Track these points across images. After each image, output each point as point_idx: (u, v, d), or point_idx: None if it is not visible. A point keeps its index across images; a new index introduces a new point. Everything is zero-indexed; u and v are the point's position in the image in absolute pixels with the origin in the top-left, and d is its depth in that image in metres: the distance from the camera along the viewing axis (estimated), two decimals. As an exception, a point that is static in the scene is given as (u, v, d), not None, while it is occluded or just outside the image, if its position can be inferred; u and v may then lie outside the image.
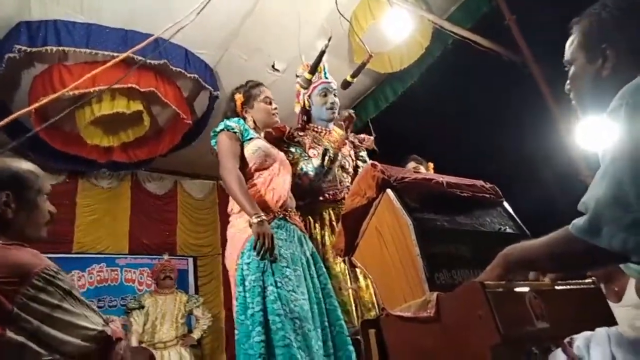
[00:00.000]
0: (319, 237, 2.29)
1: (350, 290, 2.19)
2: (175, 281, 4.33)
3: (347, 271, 2.23)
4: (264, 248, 1.76)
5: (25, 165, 1.28)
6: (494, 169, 2.22)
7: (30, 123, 3.63)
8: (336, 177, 2.42)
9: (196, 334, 4.29)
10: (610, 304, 1.50)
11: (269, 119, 2.20)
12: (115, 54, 3.10)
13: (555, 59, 1.24)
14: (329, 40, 2.36)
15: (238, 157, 2.01)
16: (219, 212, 5.80)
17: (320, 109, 2.48)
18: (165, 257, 4.47)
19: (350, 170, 2.51)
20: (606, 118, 0.90)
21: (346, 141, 2.57)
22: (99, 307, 4.83)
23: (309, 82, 2.42)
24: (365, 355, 1.19)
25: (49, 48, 3.14)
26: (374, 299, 2.17)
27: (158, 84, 3.61)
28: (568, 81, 1.10)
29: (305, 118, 2.56)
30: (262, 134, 2.24)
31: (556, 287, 1.07)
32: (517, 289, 0.98)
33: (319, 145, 2.39)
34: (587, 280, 1.18)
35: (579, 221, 0.88)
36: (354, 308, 2.17)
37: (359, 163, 2.58)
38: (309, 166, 2.30)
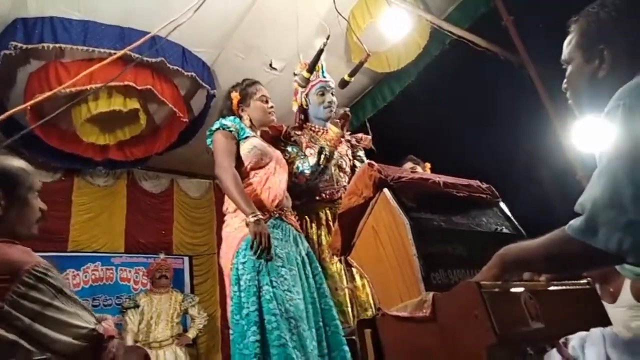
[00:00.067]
0: (315, 236, 2.28)
1: (346, 290, 2.19)
2: (170, 280, 4.32)
3: (343, 271, 2.23)
4: (261, 247, 1.76)
5: (15, 162, 1.28)
6: (490, 169, 2.22)
7: (26, 121, 3.60)
8: (333, 176, 2.42)
9: (191, 334, 4.28)
10: (606, 304, 1.51)
11: (265, 117, 2.20)
12: (112, 52, 3.09)
13: (552, 59, 1.24)
14: (327, 38, 2.36)
15: (234, 156, 2.01)
16: (216, 211, 5.79)
17: (318, 107, 2.47)
18: (161, 256, 4.46)
19: (348, 169, 2.51)
20: (603, 119, 0.90)
21: (343, 140, 2.57)
22: (94, 306, 4.81)
23: (307, 80, 2.41)
24: (361, 355, 1.19)
25: (45, 45, 3.12)
26: (370, 298, 2.17)
27: (155, 82, 3.60)
28: (565, 80, 1.10)
29: (302, 117, 2.56)
30: (259, 133, 2.23)
31: (551, 288, 1.07)
32: (513, 289, 0.98)
33: (315, 144, 2.39)
34: (582, 281, 1.18)
35: (575, 222, 0.88)
36: (350, 308, 2.16)
37: (357, 163, 2.57)
38: (305, 165, 2.30)
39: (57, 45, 3.16)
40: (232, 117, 2.12)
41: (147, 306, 4.04)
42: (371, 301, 2.17)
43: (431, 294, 1.02)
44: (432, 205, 1.28)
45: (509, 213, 1.48)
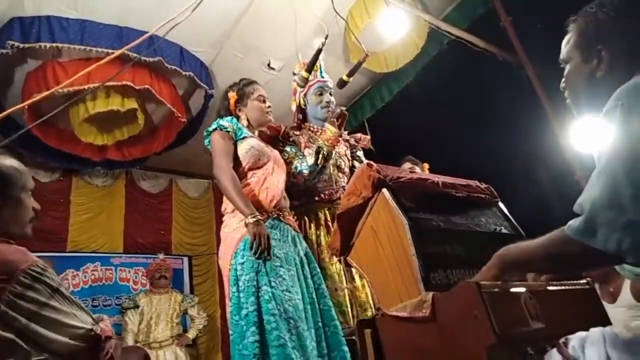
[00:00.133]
0: (314, 237, 2.28)
1: (345, 291, 2.19)
2: (170, 281, 4.31)
3: (342, 271, 2.23)
4: (261, 248, 1.75)
5: (8, 161, 1.27)
6: (488, 169, 2.22)
7: (24, 120, 3.59)
8: (332, 176, 2.42)
9: (191, 334, 4.28)
10: (605, 304, 1.51)
11: (263, 117, 2.19)
12: (109, 51, 3.08)
13: (551, 60, 1.24)
14: (326, 38, 2.36)
15: (231, 157, 2.01)
16: (215, 211, 5.78)
17: (316, 107, 2.47)
18: (161, 256, 4.45)
19: (346, 170, 2.51)
20: (601, 119, 0.90)
21: (342, 140, 2.56)
22: (93, 306, 4.80)
23: (306, 80, 2.41)
24: (361, 356, 1.19)
25: (42, 44, 3.11)
26: (370, 299, 2.17)
27: (153, 82, 3.59)
28: (563, 79, 1.11)
29: (300, 117, 2.55)
30: (257, 133, 2.23)
31: (551, 288, 1.08)
32: (513, 290, 0.98)
33: (314, 144, 2.38)
34: (581, 281, 1.18)
35: (574, 222, 0.88)
36: (349, 308, 2.16)
37: (355, 163, 2.57)
38: (304, 165, 2.29)
39: (55, 44, 3.15)
40: (229, 118, 2.12)
41: (146, 306, 4.04)
42: (371, 301, 2.17)
43: (431, 294, 1.02)
44: (431, 205, 1.28)
45: (507, 213, 1.48)
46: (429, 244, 1.16)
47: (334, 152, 2.33)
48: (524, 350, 0.93)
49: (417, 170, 2.87)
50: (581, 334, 1.05)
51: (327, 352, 1.81)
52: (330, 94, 2.49)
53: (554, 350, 1.06)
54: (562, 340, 1.05)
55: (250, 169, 2.04)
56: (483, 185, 1.49)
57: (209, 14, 3.13)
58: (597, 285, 1.87)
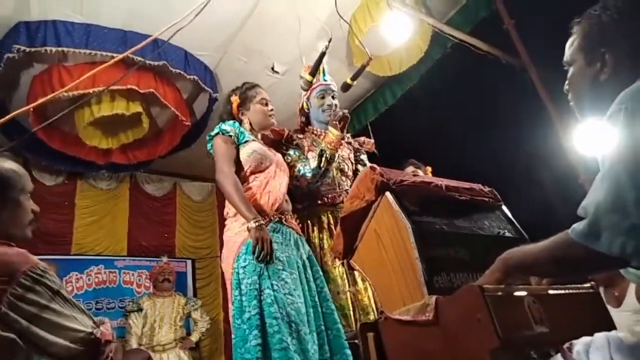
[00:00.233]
0: (317, 240, 2.28)
1: (348, 294, 2.18)
2: (173, 284, 4.32)
3: (345, 274, 2.22)
4: (263, 253, 1.76)
5: (7, 164, 1.28)
6: (492, 173, 2.22)
7: (29, 124, 3.62)
8: (335, 180, 2.42)
9: (194, 337, 4.28)
10: (610, 308, 1.50)
11: (265, 120, 2.20)
12: (114, 55, 3.09)
13: (554, 62, 1.24)
14: (329, 41, 2.37)
15: (234, 161, 2.01)
16: (218, 214, 5.79)
17: (318, 110, 2.47)
18: (164, 259, 4.45)
19: (350, 173, 2.50)
20: (605, 122, 0.90)
21: (345, 144, 2.57)
22: (97, 309, 4.81)
23: (310, 83, 2.42)
24: (364, 359, 1.18)
25: (48, 48, 3.14)
26: (373, 302, 2.17)
27: (157, 85, 3.61)
28: (567, 82, 1.10)
29: (304, 120, 2.56)
30: (259, 136, 2.23)
31: (555, 292, 1.07)
32: (516, 293, 0.98)
33: (317, 147, 2.39)
34: (586, 285, 1.17)
35: (578, 226, 0.87)
36: (352, 312, 2.16)
37: (359, 166, 2.57)
38: (307, 168, 2.29)
39: (60, 48, 3.18)
40: (231, 122, 2.13)
41: (150, 309, 4.04)
42: (373, 305, 2.16)
43: (434, 297, 1.02)
44: (435, 208, 1.28)
45: (511, 216, 1.47)
46: (432, 248, 1.16)
47: (336, 155, 2.33)
48: (527, 355, 0.93)
49: (420, 174, 2.86)
50: (586, 338, 1.04)
51: (330, 356, 1.81)
52: (334, 97, 2.49)
53: (558, 355, 1.05)
54: (566, 345, 1.04)
55: (252, 173, 2.04)
56: (486, 189, 1.49)
57: (213, 18, 3.15)
58: (601, 289, 1.86)
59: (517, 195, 2.08)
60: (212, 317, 4.93)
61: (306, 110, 2.53)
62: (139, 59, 3.03)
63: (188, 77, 3.66)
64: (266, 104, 2.21)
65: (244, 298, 1.75)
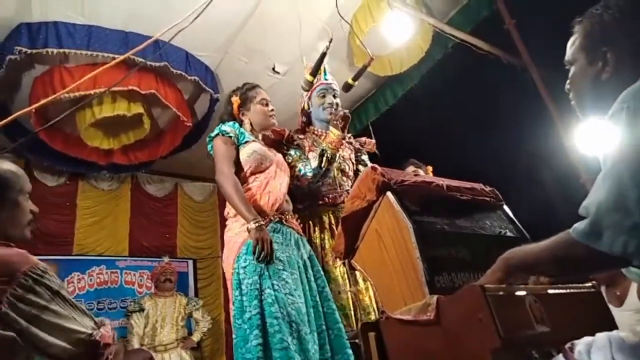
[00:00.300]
0: (318, 240, 2.28)
1: (349, 294, 2.18)
2: (175, 284, 4.32)
3: (346, 274, 2.22)
4: (263, 253, 1.76)
5: (6, 165, 1.29)
6: (493, 172, 2.22)
7: (31, 125, 3.63)
8: (336, 180, 2.42)
9: (196, 337, 4.29)
10: (612, 308, 1.50)
11: (266, 121, 2.20)
12: (115, 56, 3.10)
13: (555, 62, 1.24)
14: (330, 42, 2.37)
15: (234, 162, 2.01)
16: (219, 214, 5.79)
17: (318, 109, 2.47)
18: (166, 259, 4.46)
19: (350, 173, 2.50)
20: (607, 122, 0.90)
21: (346, 144, 2.57)
22: (98, 309, 4.82)
23: (311, 83, 2.42)
24: (365, 359, 1.18)
25: (49, 50, 3.14)
26: (374, 302, 2.16)
27: (159, 86, 3.62)
28: (568, 81, 1.10)
29: (305, 120, 2.56)
30: (260, 137, 2.23)
31: (557, 291, 1.07)
32: (518, 293, 0.97)
33: (318, 148, 2.39)
34: (587, 284, 1.17)
35: (580, 225, 0.87)
36: (353, 311, 2.16)
37: (360, 167, 2.57)
38: (307, 167, 2.29)
39: (62, 50, 3.18)
40: (231, 123, 2.13)
41: (152, 310, 4.05)
42: (374, 305, 2.16)
43: (435, 297, 1.02)
44: (436, 208, 1.28)
45: (512, 216, 1.47)
46: (433, 247, 1.16)
47: (337, 155, 2.33)
48: (529, 354, 0.93)
49: (420, 173, 2.86)
50: (587, 338, 1.04)
51: (331, 355, 1.81)
52: (335, 96, 2.49)
53: (560, 355, 1.05)
54: (568, 345, 1.04)
55: (252, 173, 2.05)
56: (488, 188, 1.49)
57: (214, 19, 3.15)
58: (603, 289, 1.86)
59: (518, 195, 2.08)
60: (214, 317, 4.93)
61: (307, 109, 2.53)
62: (140, 60, 3.03)
63: (189, 77, 3.67)
64: (266, 104, 2.21)
65: (244, 298, 1.76)
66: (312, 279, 1.96)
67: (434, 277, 1.10)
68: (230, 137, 2.06)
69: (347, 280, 2.21)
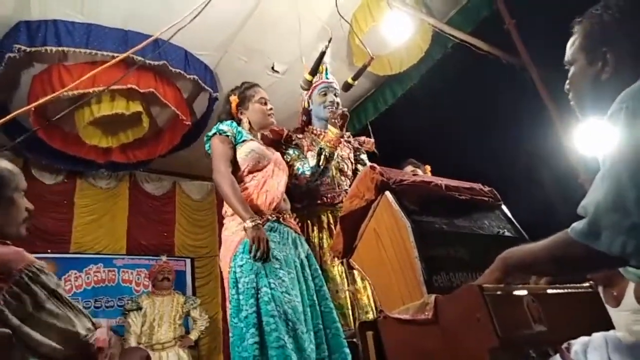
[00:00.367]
0: (316, 240, 2.28)
1: (347, 293, 2.18)
2: (172, 282, 4.32)
3: (344, 273, 2.22)
4: (260, 252, 1.76)
5: (2, 163, 1.29)
6: (492, 172, 2.22)
7: (29, 123, 3.62)
8: (334, 180, 2.42)
9: (193, 335, 4.28)
10: (609, 308, 1.50)
11: (264, 119, 2.20)
12: (114, 55, 3.10)
13: (555, 62, 1.24)
14: (329, 41, 2.37)
15: (230, 161, 2.01)
16: (217, 213, 5.79)
17: (319, 107, 2.47)
18: (164, 258, 4.46)
19: (349, 173, 2.50)
20: (606, 122, 0.90)
21: (345, 143, 2.57)
22: (95, 307, 4.81)
23: (310, 83, 2.42)
24: (363, 358, 1.18)
25: (48, 48, 3.14)
26: (372, 301, 2.17)
27: (157, 85, 3.61)
28: (567, 81, 1.10)
29: (305, 119, 2.56)
30: (259, 136, 2.23)
31: (554, 291, 1.07)
32: (516, 293, 0.98)
33: (317, 147, 2.39)
34: (584, 285, 1.17)
35: (578, 225, 0.87)
36: (351, 310, 2.16)
37: (359, 166, 2.57)
38: (306, 166, 2.30)
39: (61, 48, 3.18)
40: (229, 122, 2.13)
41: (149, 308, 4.05)
42: (372, 304, 2.16)
43: (433, 296, 1.02)
44: (434, 208, 1.28)
45: (511, 216, 1.48)
46: (431, 247, 1.16)
47: (335, 154, 2.33)
48: (526, 354, 0.93)
49: (419, 173, 2.86)
50: (584, 338, 1.04)
51: (329, 355, 1.81)
52: (336, 95, 2.49)
53: (557, 355, 1.06)
54: (564, 345, 1.04)
55: (250, 172, 2.05)
56: (486, 188, 1.49)
57: (214, 18, 3.15)
58: (600, 289, 1.86)
59: (517, 194, 2.08)
60: (211, 316, 4.93)
61: (308, 108, 2.53)
62: (139, 58, 3.03)
63: (188, 76, 3.66)
64: (265, 103, 2.21)
65: (241, 297, 1.76)
66: (310, 277, 1.96)
67: (432, 277, 1.10)
68: (228, 136, 2.06)
69: (345, 280, 2.21)
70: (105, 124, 3.87)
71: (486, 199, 1.46)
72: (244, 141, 2.08)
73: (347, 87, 2.60)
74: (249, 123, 2.20)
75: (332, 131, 2.28)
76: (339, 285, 2.18)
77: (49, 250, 4.61)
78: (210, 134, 2.11)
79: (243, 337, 1.68)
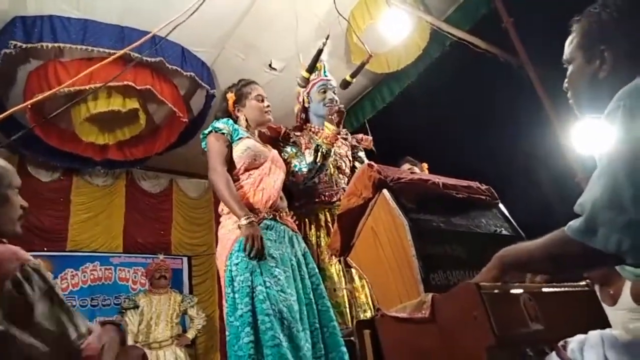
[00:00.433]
0: (314, 238, 2.28)
1: (345, 291, 2.18)
2: (169, 281, 4.31)
3: (342, 272, 2.22)
4: (254, 250, 1.75)
5: None
6: (489, 171, 2.22)
7: (26, 120, 3.60)
8: (332, 178, 2.41)
9: (191, 334, 4.28)
10: (605, 307, 1.51)
11: (261, 116, 2.19)
12: (111, 51, 3.08)
13: (552, 61, 1.24)
14: (327, 38, 2.36)
15: (226, 159, 2.01)
16: (214, 211, 5.77)
17: (318, 105, 2.47)
18: (161, 257, 4.45)
19: (347, 171, 2.50)
20: (603, 120, 0.90)
21: (344, 141, 2.56)
22: (92, 306, 4.80)
23: (307, 80, 2.41)
24: (360, 356, 1.18)
25: (44, 44, 3.12)
26: (369, 299, 2.17)
27: (154, 82, 3.60)
28: (566, 80, 1.10)
29: (303, 116, 2.55)
30: (256, 133, 2.22)
31: (551, 290, 1.07)
32: (513, 291, 0.98)
33: (314, 144, 2.38)
34: (581, 283, 1.18)
35: (575, 222, 0.88)
36: (348, 309, 2.16)
37: (357, 164, 2.57)
38: (303, 163, 2.29)
39: (57, 44, 3.16)
40: (225, 119, 2.12)
41: (146, 307, 4.04)
42: (370, 302, 2.16)
43: (430, 295, 1.02)
44: (432, 206, 1.28)
45: (508, 214, 1.48)
46: (429, 245, 1.16)
47: (332, 150, 2.32)
48: (523, 352, 0.93)
49: (416, 171, 2.86)
50: (580, 336, 1.05)
51: (325, 353, 1.80)
52: (334, 93, 2.49)
53: (553, 353, 1.06)
54: (561, 343, 1.04)
55: (246, 170, 2.04)
56: (484, 187, 1.49)
57: (211, 14, 3.13)
58: (597, 288, 1.87)
59: (514, 193, 2.08)
60: (208, 315, 4.93)
61: (306, 105, 2.52)
62: (136, 55, 3.01)
63: (185, 73, 3.65)
64: (262, 100, 2.20)
65: (236, 295, 1.75)
66: (307, 276, 1.95)
67: (429, 275, 1.10)
68: (224, 133, 2.05)
69: (342, 278, 2.21)
70: (102, 121, 3.86)
71: (483, 197, 1.46)
72: (240, 139, 2.07)
73: (345, 84, 2.60)
74: (246, 120, 2.19)
75: (329, 128, 2.27)
76: (336, 284, 2.18)
77: (45, 249, 4.59)
78: (206, 131, 2.10)
79: (239, 336, 1.67)
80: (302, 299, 1.85)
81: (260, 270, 1.77)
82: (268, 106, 2.21)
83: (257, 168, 2.04)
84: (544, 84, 3.48)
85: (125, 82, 3.44)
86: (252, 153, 2.04)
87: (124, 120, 3.93)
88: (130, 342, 3.78)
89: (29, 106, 3.10)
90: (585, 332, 1.06)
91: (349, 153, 2.58)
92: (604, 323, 1.11)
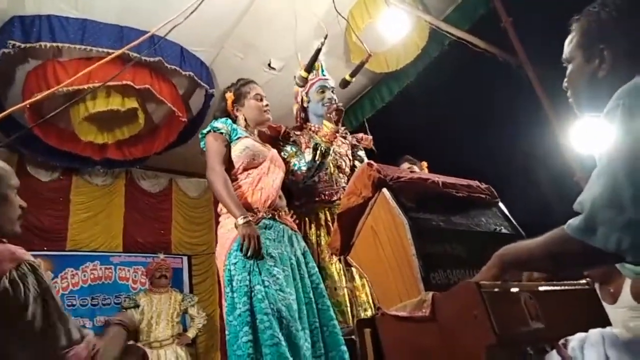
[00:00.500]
0: (314, 237, 2.28)
1: (345, 290, 2.18)
2: (170, 280, 4.31)
3: (342, 271, 2.22)
4: (251, 249, 1.75)
5: None
6: (488, 170, 2.22)
7: (24, 119, 3.60)
8: (332, 177, 2.42)
9: (191, 333, 4.29)
10: (606, 305, 1.51)
11: (260, 116, 2.19)
12: (110, 51, 3.07)
13: (551, 61, 1.24)
14: (325, 38, 2.36)
15: (224, 158, 2.01)
16: (214, 210, 5.77)
17: (317, 104, 2.47)
18: (161, 256, 4.45)
19: (347, 170, 2.50)
20: (602, 119, 0.90)
21: (343, 139, 2.56)
22: (92, 305, 4.80)
23: (305, 80, 2.41)
24: (361, 355, 1.19)
25: (43, 44, 3.11)
26: (370, 298, 2.17)
27: (153, 81, 3.59)
28: (565, 79, 1.11)
29: (302, 116, 2.55)
30: (256, 132, 2.22)
31: (551, 288, 1.07)
32: (513, 290, 0.98)
33: (313, 142, 2.38)
34: (581, 281, 1.18)
35: (574, 221, 0.88)
36: (349, 308, 2.16)
37: (357, 163, 2.57)
38: (302, 162, 2.29)
39: (55, 44, 3.15)
40: (223, 119, 2.12)
41: (147, 306, 4.04)
42: (371, 301, 2.16)
43: (430, 293, 1.02)
44: (431, 205, 1.28)
45: (507, 213, 1.48)
46: (429, 244, 1.16)
47: (331, 149, 2.32)
48: (523, 351, 0.93)
49: (415, 170, 2.86)
50: (580, 335, 1.05)
51: (325, 352, 1.80)
52: (333, 92, 2.49)
53: (554, 351, 1.06)
54: (561, 341, 1.05)
55: (245, 169, 2.04)
56: (483, 186, 1.49)
57: (210, 14, 3.13)
58: (597, 286, 1.87)
59: (513, 192, 2.08)
60: (209, 314, 4.93)
61: (305, 105, 2.52)
62: (135, 54, 3.01)
63: (184, 73, 3.65)
64: (261, 100, 2.19)
65: (235, 295, 1.75)
66: (306, 275, 1.95)
67: (429, 274, 1.10)
68: (222, 133, 2.05)
69: (343, 277, 2.21)
70: (101, 120, 3.85)
71: (483, 196, 1.46)
72: (238, 138, 2.07)
73: (344, 84, 2.60)
74: (245, 120, 2.19)
75: (327, 126, 2.27)
76: (337, 283, 2.18)
77: (45, 248, 4.59)
78: (204, 131, 2.10)
79: (237, 336, 1.67)
80: (301, 298, 1.85)
81: (259, 270, 1.77)
82: (267, 105, 2.21)
83: (255, 167, 2.04)
84: (543, 84, 3.48)
85: (124, 82, 3.43)
86: (250, 152, 2.04)
87: (123, 119, 3.92)
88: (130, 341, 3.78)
89: (28, 106, 3.10)
90: (586, 331, 1.06)
91: (349, 152, 2.58)
92: (605, 321, 1.11)
